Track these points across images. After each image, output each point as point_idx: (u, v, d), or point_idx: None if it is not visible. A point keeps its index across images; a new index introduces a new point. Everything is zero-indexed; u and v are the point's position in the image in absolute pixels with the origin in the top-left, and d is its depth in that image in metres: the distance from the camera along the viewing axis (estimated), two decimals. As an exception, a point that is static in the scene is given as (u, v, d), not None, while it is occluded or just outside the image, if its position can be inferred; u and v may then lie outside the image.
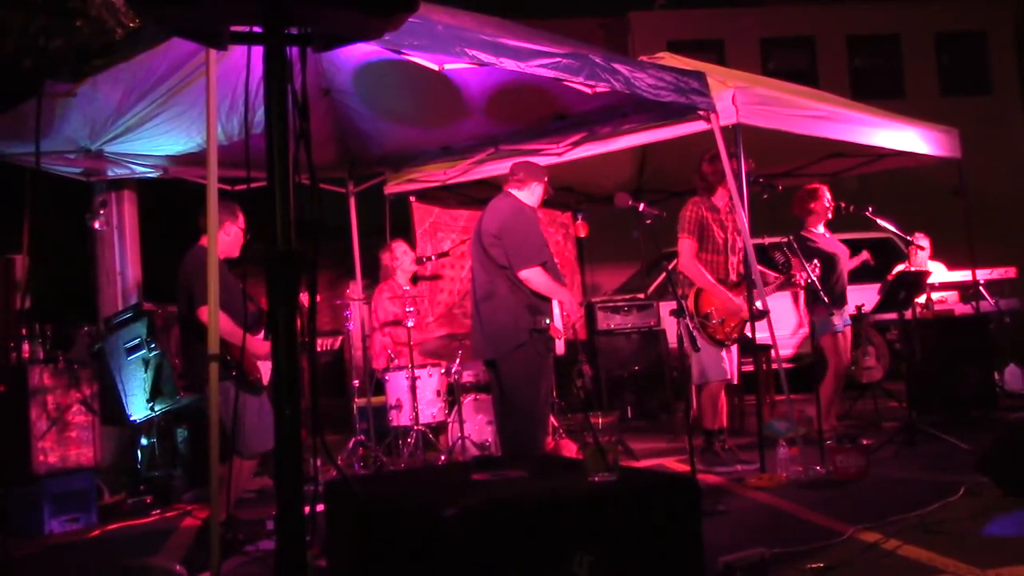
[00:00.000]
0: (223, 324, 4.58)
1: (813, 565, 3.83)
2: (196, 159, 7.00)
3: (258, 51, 2.01)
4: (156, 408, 6.22)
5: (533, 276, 5.22)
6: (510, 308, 5.24)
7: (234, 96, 6.26)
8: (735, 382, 6.61)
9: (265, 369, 5.17)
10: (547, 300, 5.31)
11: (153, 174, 7.42)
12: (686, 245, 6.31)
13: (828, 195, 7.40)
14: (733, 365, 6.43)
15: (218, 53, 4.31)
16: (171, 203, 11.04)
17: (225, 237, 5.17)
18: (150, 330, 6.21)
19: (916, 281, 7.51)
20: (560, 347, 5.55)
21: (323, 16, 2.03)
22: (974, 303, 8.53)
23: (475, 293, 5.51)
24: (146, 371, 6.18)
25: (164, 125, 6.46)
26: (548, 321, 5.25)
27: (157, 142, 6.80)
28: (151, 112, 6.20)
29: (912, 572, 3.75)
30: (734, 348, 6.40)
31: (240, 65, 5.14)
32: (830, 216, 7.42)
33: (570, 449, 6.49)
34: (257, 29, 2.03)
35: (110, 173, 7.27)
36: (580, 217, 7.71)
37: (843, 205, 7.34)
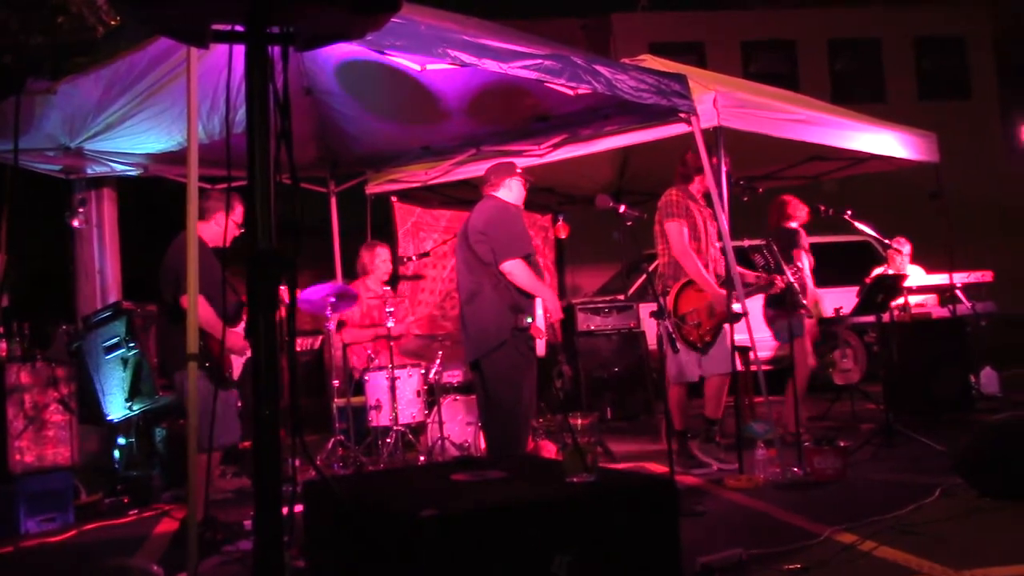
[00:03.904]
0: (203, 312, 4.57)
1: (790, 566, 3.85)
2: (176, 157, 6.97)
3: (240, 50, 2.01)
4: (134, 407, 6.19)
5: (515, 269, 5.25)
6: (493, 307, 5.27)
7: (215, 94, 6.24)
8: (729, 370, 6.55)
9: (236, 363, 5.18)
10: (530, 299, 5.34)
11: (133, 172, 7.39)
12: (676, 228, 6.31)
13: (799, 203, 7.45)
14: (729, 355, 6.38)
15: (200, 51, 4.29)
16: (151, 201, 10.99)
17: (215, 227, 5.19)
18: (129, 329, 6.18)
19: (894, 284, 7.57)
20: (541, 348, 5.57)
21: (305, 15, 2.03)
22: (951, 306, 8.60)
23: (460, 296, 5.55)
24: (125, 370, 6.15)
25: (145, 123, 6.43)
26: (530, 320, 5.27)
27: (137, 140, 6.77)
28: (131, 110, 6.17)
29: (888, 573, 3.78)
30: (727, 341, 6.35)
31: (222, 63, 5.12)
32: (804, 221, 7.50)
33: (550, 450, 6.49)
34: (239, 28, 2.02)
35: (90, 171, 7.23)
36: (561, 219, 7.72)
37: (823, 208, 7.38)
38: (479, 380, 5.46)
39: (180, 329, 4.32)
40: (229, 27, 2.06)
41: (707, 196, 6.40)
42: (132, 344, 6.15)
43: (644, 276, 9.02)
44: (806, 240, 7.52)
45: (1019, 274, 14.12)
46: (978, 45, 20.38)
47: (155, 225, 7.32)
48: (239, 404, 5.45)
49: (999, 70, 20.35)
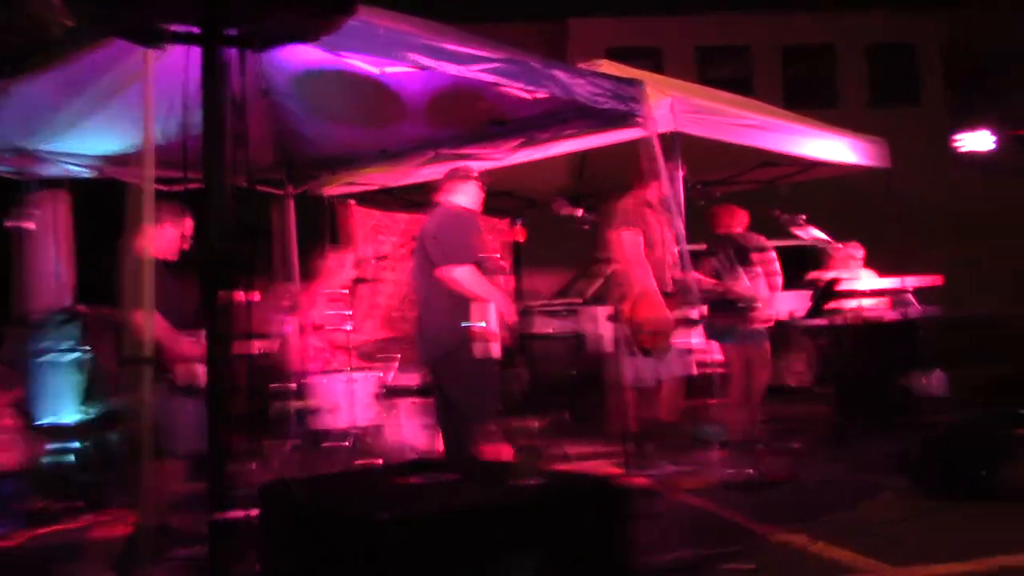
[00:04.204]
0: (159, 327, 4.53)
1: (741, 566, 3.90)
2: (132, 159, 6.88)
3: (197, 51, 2.01)
4: (89, 411, 6.11)
5: (465, 275, 5.26)
6: (447, 311, 5.29)
7: (172, 96, 6.16)
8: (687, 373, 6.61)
9: (202, 370, 5.11)
10: (484, 302, 5.35)
11: (88, 174, 7.29)
12: (630, 238, 6.35)
13: (735, 210, 7.51)
14: (685, 360, 6.44)
15: (157, 52, 4.26)
16: (106, 203, 10.83)
17: (162, 237, 5.13)
18: (83, 332, 6.10)
19: (846, 288, 7.69)
20: (496, 350, 5.59)
21: (261, 17, 2.03)
22: (902, 310, 8.73)
23: (417, 300, 5.56)
24: (79, 374, 6.07)
25: (100, 124, 6.34)
26: (483, 324, 5.29)
27: (93, 141, 6.68)
28: (87, 111, 6.09)
29: (836, 573, 3.85)
30: (683, 346, 6.41)
31: (180, 65, 5.09)
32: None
33: (505, 452, 6.50)
34: (195, 30, 2.02)
35: (43, 172, 7.12)
36: (518, 223, 7.74)
37: (777, 213, 7.47)
38: (436, 383, 5.47)
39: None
40: (185, 29, 2.06)
41: (664, 201, 6.45)
42: (87, 348, 6.07)
43: (601, 280, 9.06)
44: (757, 243, 7.56)
45: (968, 278, 14.37)
46: (928, 52, 20.75)
47: (110, 228, 7.21)
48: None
49: (947, 77, 20.72)
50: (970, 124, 12.37)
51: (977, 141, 11.23)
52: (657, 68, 14.84)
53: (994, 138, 11.61)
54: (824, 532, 4.41)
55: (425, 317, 5.45)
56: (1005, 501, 4.83)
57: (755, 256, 7.31)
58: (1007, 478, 4.99)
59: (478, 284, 5.31)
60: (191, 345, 5.01)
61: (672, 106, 6.35)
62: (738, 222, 7.46)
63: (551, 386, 9.22)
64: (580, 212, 5.86)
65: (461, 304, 5.28)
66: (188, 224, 5.09)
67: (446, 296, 5.30)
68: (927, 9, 20.32)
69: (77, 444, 6.61)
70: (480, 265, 5.34)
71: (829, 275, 8.49)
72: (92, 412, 6.09)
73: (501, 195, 9.42)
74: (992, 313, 15.40)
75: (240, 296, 2.13)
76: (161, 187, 5.88)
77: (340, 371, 6.77)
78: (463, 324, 5.26)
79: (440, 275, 5.27)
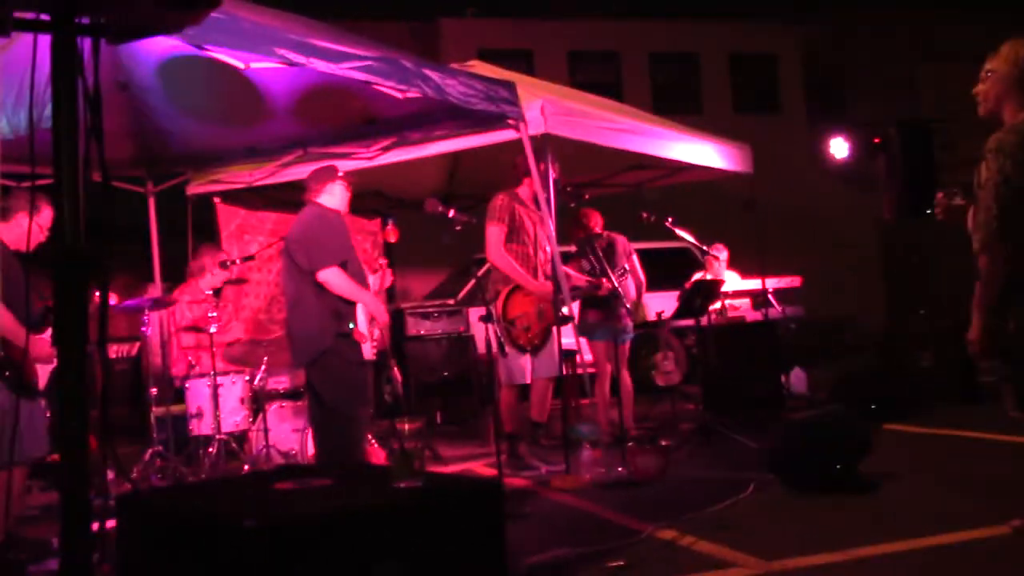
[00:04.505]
0: (4, 320, 4.31)
1: (613, 563, 3.95)
2: (-23, 152, 6.53)
3: (46, 40, 1.90)
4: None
5: (331, 277, 5.20)
6: (315, 314, 5.24)
7: (21, 86, 5.88)
8: (555, 374, 6.64)
9: (43, 372, 4.89)
10: (351, 304, 5.31)
11: (-72, 167, 6.88)
12: (494, 233, 6.40)
13: (592, 213, 7.61)
14: (557, 359, 6.48)
15: (2, 40, 4.04)
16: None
17: (17, 228, 4.87)
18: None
19: (712, 289, 7.91)
20: (368, 352, 5.54)
21: (116, 6, 1.94)
22: (764, 310, 9.04)
23: (286, 304, 5.49)
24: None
25: (-59, 115, 5.99)
26: (352, 325, 5.25)
27: (-67, 133, 6.30)
28: (-74, 101, 5.74)
29: (705, 566, 3.94)
30: (555, 344, 6.44)
31: (28, 52, 4.84)
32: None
33: (378, 456, 6.45)
34: (45, 16, 1.91)
35: None
36: (390, 222, 7.67)
37: (645, 215, 7.61)
38: (310, 387, 5.41)
39: None
40: (34, 15, 1.94)
41: (536, 200, 6.50)
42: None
43: (473, 280, 9.07)
44: (623, 245, 7.69)
45: (825, 279, 14.98)
46: (787, 63, 21.57)
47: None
48: (47, 415, 5.15)
49: (806, 87, 21.59)
50: (827, 132, 12.88)
51: (834, 148, 11.70)
52: (529, 70, 14.99)
53: (847, 145, 12.13)
54: (693, 527, 4.51)
55: (293, 320, 5.38)
56: (860, 493, 5.04)
57: (621, 258, 7.45)
58: (861, 471, 5.21)
59: (346, 286, 5.25)
60: (39, 343, 4.77)
61: (543, 108, 6.39)
62: (595, 223, 7.56)
63: (424, 388, 9.18)
64: (452, 212, 5.84)
65: (329, 306, 5.22)
66: (46, 215, 4.83)
67: (314, 298, 5.24)
68: (787, 20, 21.11)
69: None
70: (346, 266, 5.28)
71: (695, 277, 8.72)
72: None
73: (371, 195, 9.33)
74: (847, 314, 16.11)
75: (95, 296, 2.02)
76: (10, 183, 5.59)
77: (206, 375, 6.59)
78: (330, 328, 5.20)
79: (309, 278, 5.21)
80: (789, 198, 17.40)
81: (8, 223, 4.88)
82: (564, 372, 6.61)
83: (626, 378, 7.31)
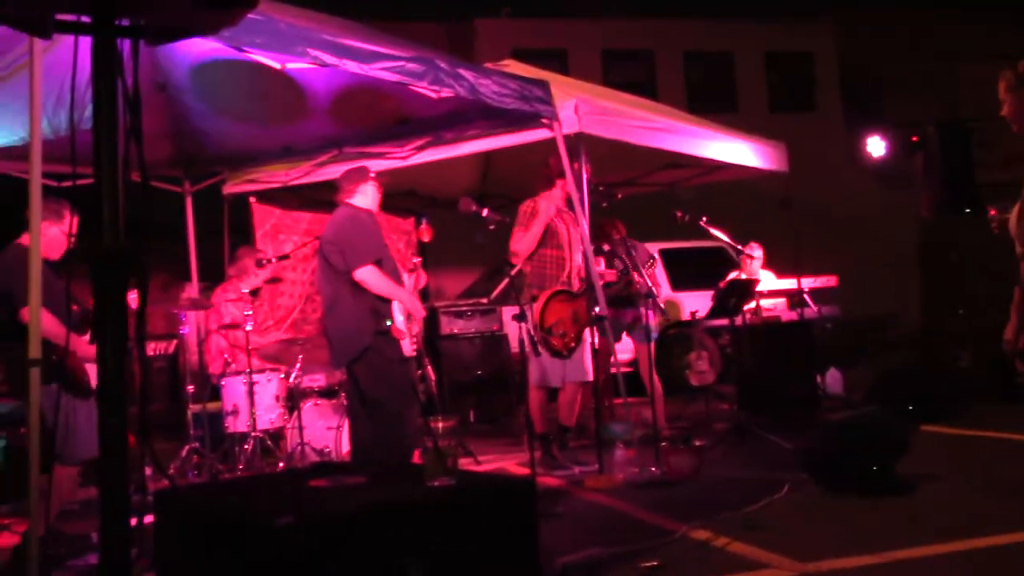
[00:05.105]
0: (47, 324, 4.36)
1: (647, 563, 3.93)
2: (20, 153, 6.61)
3: (87, 42, 1.93)
4: (-28, 417, 5.85)
5: (367, 275, 5.25)
6: (353, 314, 5.27)
7: (62, 88, 5.95)
8: (589, 379, 6.65)
9: (93, 372, 4.95)
10: (388, 302, 5.34)
11: (-29, 169, 6.99)
12: (524, 237, 6.43)
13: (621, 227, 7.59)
14: (588, 363, 6.50)
15: (44, 42, 4.10)
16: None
17: (43, 236, 4.92)
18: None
19: (746, 288, 7.85)
20: (408, 348, 5.57)
21: (156, 7, 1.96)
22: (800, 310, 8.96)
23: (322, 305, 5.55)
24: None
25: (-16, 117, 6.09)
26: (389, 323, 5.27)
27: (-24, 135, 6.41)
28: (-31, 103, 5.84)
29: (740, 567, 3.91)
30: (587, 348, 6.46)
31: (68, 56, 4.91)
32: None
33: (416, 453, 6.47)
34: (85, 19, 1.94)
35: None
36: (424, 222, 7.69)
37: (679, 215, 7.58)
38: (352, 388, 5.47)
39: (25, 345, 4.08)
40: (75, 17, 1.97)
41: (569, 201, 6.50)
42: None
43: (507, 280, 9.09)
44: (643, 253, 7.66)
45: (861, 279, 14.83)
46: (824, 61, 21.37)
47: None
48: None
49: (842, 85, 21.37)
50: (863, 130, 12.76)
51: (871, 146, 11.60)
52: (563, 70, 14.96)
53: (884, 144, 12.01)
54: (728, 527, 4.48)
55: (331, 321, 5.42)
56: (897, 495, 4.99)
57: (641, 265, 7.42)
58: (898, 472, 5.16)
59: (382, 284, 5.29)
60: (84, 344, 4.85)
61: (577, 107, 6.38)
62: (619, 234, 7.52)
63: (458, 387, 9.20)
64: (485, 212, 5.86)
65: (366, 305, 5.25)
66: (72, 222, 4.89)
67: (350, 298, 5.28)
68: (823, 19, 20.92)
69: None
70: (381, 264, 5.31)
71: (730, 276, 8.67)
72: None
73: (405, 194, 9.37)
74: (883, 313, 15.94)
75: (134, 296, 2.05)
76: (51, 183, 5.67)
77: (242, 372, 6.64)
78: (368, 326, 5.24)
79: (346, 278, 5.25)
80: (825, 197, 17.24)
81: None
82: (591, 379, 6.58)
83: (656, 379, 7.28)
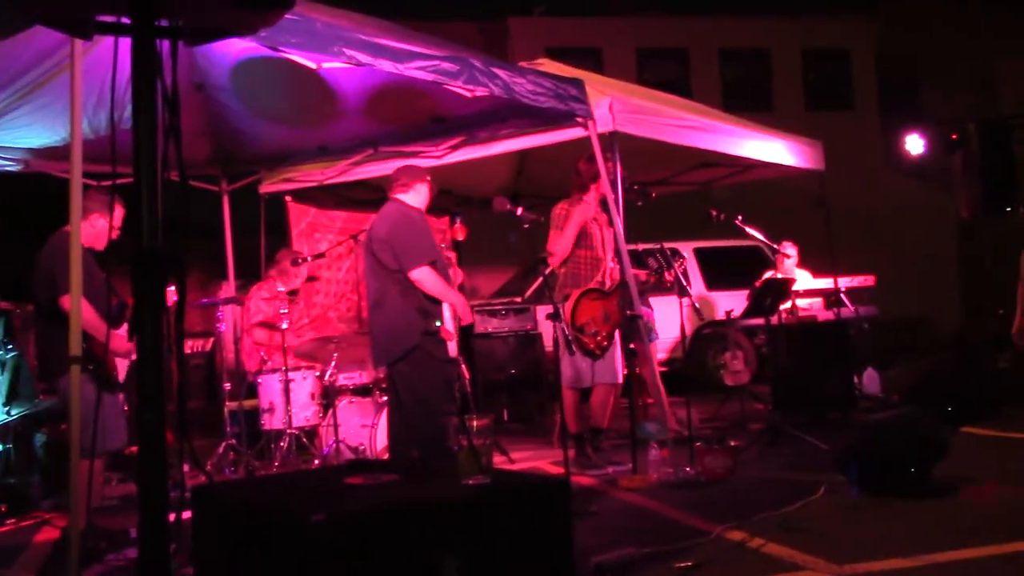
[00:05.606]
0: (86, 315, 4.43)
1: (681, 564, 3.92)
2: (61, 153, 6.71)
3: (127, 43, 1.95)
4: (13, 412, 5.94)
5: (424, 276, 5.24)
6: (401, 312, 5.26)
7: (102, 88, 6.04)
8: (619, 382, 6.64)
9: (121, 366, 5.03)
10: (437, 303, 5.33)
11: (14, 168, 7.09)
12: (560, 239, 6.38)
13: None
14: (618, 364, 6.49)
15: (85, 43, 4.15)
16: (31, 198, 10.57)
17: (90, 228, 5.02)
18: (7, 330, 5.93)
19: (782, 288, 7.79)
20: (453, 350, 5.57)
21: (194, 8, 1.98)
22: (836, 310, 8.89)
23: (368, 302, 5.53)
24: (2, 373, 5.90)
25: (27, 117, 6.17)
26: (439, 324, 5.27)
27: (19, 134, 6.50)
28: (13, 103, 5.91)
29: (776, 568, 3.88)
30: (618, 349, 6.46)
31: (110, 56, 4.97)
32: None
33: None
34: (125, 20, 1.96)
35: (-32, 167, 6.92)
36: (458, 220, 7.72)
37: (714, 213, 7.54)
38: (392, 386, 5.44)
39: (61, 331, 4.16)
40: (115, 19, 1.99)
41: (603, 202, 6.48)
42: (10, 346, 5.90)
43: (540, 279, 9.09)
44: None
45: (898, 279, 14.68)
46: (862, 59, 21.15)
47: (35, 223, 7.02)
48: (125, 408, 5.30)
49: (880, 83, 21.14)
50: (901, 128, 12.62)
51: (909, 145, 11.47)
52: (597, 68, 14.93)
53: (922, 142, 11.86)
54: (763, 528, 4.45)
55: (378, 318, 5.41)
56: (935, 497, 4.93)
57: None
58: (936, 474, 5.09)
59: (437, 285, 5.28)
60: (116, 338, 4.92)
61: (611, 106, 6.37)
62: None
63: (492, 385, 9.21)
64: (520, 210, 5.85)
65: (415, 304, 5.25)
66: (118, 214, 4.97)
67: (399, 297, 5.27)
68: (861, 17, 20.70)
69: (1, 446, 6.43)
70: (436, 265, 5.31)
71: (766, 275, 8.61)
72: (17, 412, 5.92)
73: (440, 193, 9.38)
74: (921, 313, 15.76)
75: (171, 293, 2.07)
76: (90, 182, 5.75)
77: (277, 370, 6.69)
78: (417, 326, 5.23)
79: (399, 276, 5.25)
80: (861, 195, 17.09)
81: (84, 221, 5.02)
82: (620, 382, 6.55)
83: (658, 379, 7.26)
